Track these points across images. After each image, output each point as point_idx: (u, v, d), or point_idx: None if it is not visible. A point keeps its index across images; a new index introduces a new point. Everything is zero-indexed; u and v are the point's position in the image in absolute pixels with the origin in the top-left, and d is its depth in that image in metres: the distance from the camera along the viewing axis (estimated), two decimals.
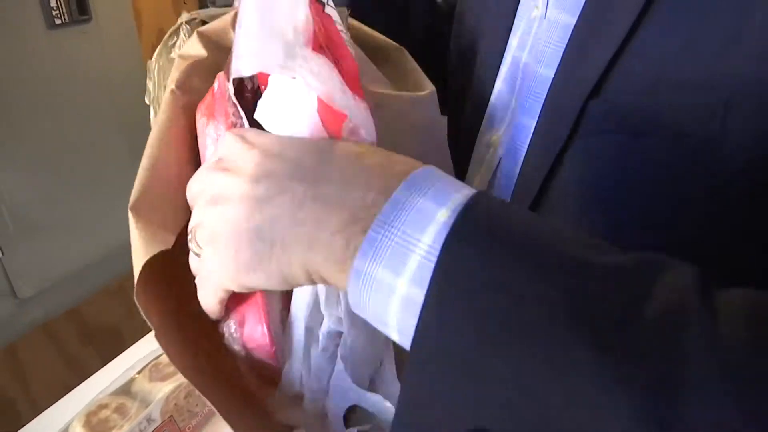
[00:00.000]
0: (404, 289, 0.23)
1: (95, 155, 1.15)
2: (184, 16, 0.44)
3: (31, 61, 1.00)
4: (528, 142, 0.40)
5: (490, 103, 0.44)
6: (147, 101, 0.45)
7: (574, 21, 0.36)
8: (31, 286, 1.08)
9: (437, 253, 0.23)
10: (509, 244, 0.23)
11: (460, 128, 0.48)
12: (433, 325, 0.23)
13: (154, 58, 0.44)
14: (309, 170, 0.28)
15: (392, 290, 0.24)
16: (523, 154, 0.40)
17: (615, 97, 0.35)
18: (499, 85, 0.44)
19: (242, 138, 0.30)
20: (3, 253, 1.02)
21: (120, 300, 1.36)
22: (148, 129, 0.49)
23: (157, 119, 0.38)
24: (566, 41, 0.37)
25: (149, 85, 0.45)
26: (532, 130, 0.40)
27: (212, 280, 0.31)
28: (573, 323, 0.21)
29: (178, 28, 0.46)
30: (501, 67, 0.43)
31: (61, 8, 1.02)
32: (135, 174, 0.36)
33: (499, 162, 0.44)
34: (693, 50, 0.32)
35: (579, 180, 0.37)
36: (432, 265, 0.23)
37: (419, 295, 0.23)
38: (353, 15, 0.44)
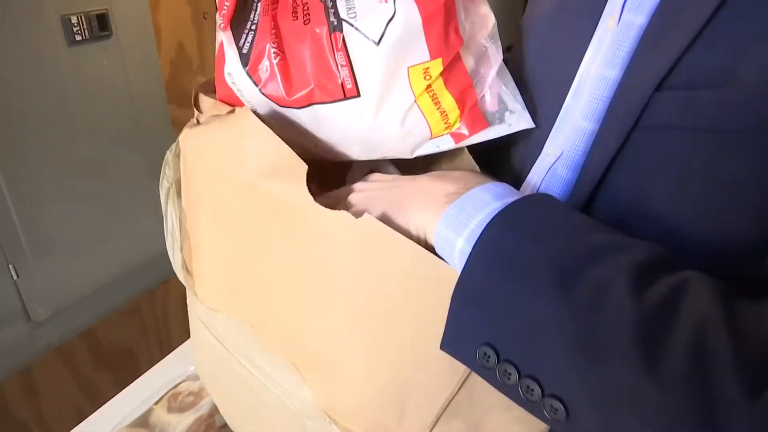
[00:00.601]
0: (461, 245, 0.36)
1: (113, 172, 1.13)
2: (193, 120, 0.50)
3: (51, 78, 0.99)
4: (583, 144, 0.40)
5: (558, 118, 0.43)
6: (166, 184, 0.48)
7: (646, 21, 0.36)
8: (46, 308, 1.06)
9: (485, 225, 0.34)
10: (529, 226, 0.34)
11: (520, 150, 0.48)
12: (470, 269, 0.34)
13: (172, 150, 0.48)
14: (433, 175, 0.43)
15: (454, 246, 0.36)
16: (576, 157, 0.40)
17: (682, 89, 0.33)
18: (568, 101, 0.43)
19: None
20: (18, 276, 1.00)
21: (135, 320, 1.33)
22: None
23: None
24: (637, 41, 0.36)
25: (167, 171, 0.48)
26: (588, 132, 0.39)
27: None
28: (549, 276, 0.31)
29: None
30: (573, 83, 0.42)
31: (82, 25, 1.01)
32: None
33: (551, 169, 0.43)
34: (765, 42, 0.30)
35: (634, 179, 0.37)
36: (480, 231, 0.34)
37: (469, 249, 0.34)
38: None
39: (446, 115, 0.42)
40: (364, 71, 0.40)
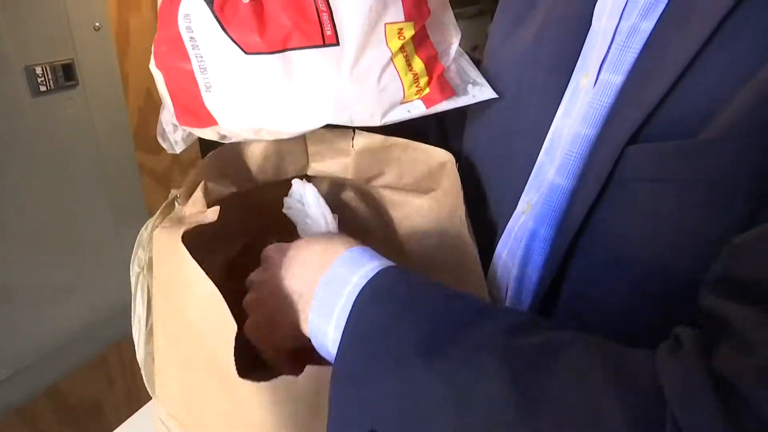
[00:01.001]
0: (332, 334, 0.35)
1: (78, 221, 1.10)
2: (174, 193, 0.49)
3: (14, 129, 0.97)
4: (561, 203, 0.39)
5: (532, 174, 0.44)
6: (136, 268, 0.45)
7: (623, 80, 0.36)
8: (6, 367, 1.01)
9: (350, 307, 0.34)
10: (392, 302, 0.34)
11: (494, 204, 0.48)
12: (342, 356, 0.33)
13: (148, 227, 0.46)
14: (288, 262, 0.41)
15: (326, 335, 0.35)
16: (555, 215, 0.40)
17: (655, 141, 0.33)
18: (542, 157, 0.43)
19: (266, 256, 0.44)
20: None
21: (102, 374, 1.28)
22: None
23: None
24: (614, 99, 0.37)
25: (140, 253, 0.45)
26: (565, 189, 0.39)
27: (261, 348, 0.42)
28: (419, 351, 0.30)
29: (172, 201, 0.47)
30: (546, 139, 0.43)
31: (47, 75, 1.00)
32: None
33: (528, 226, 0.43)
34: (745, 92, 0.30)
35: (610, 230, 0.36)
36: (345, 316, 0.34)
37: (339, 337, 0.34)
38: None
39: (417, 79, 0.43)
40: (344, 19, 0.39)
